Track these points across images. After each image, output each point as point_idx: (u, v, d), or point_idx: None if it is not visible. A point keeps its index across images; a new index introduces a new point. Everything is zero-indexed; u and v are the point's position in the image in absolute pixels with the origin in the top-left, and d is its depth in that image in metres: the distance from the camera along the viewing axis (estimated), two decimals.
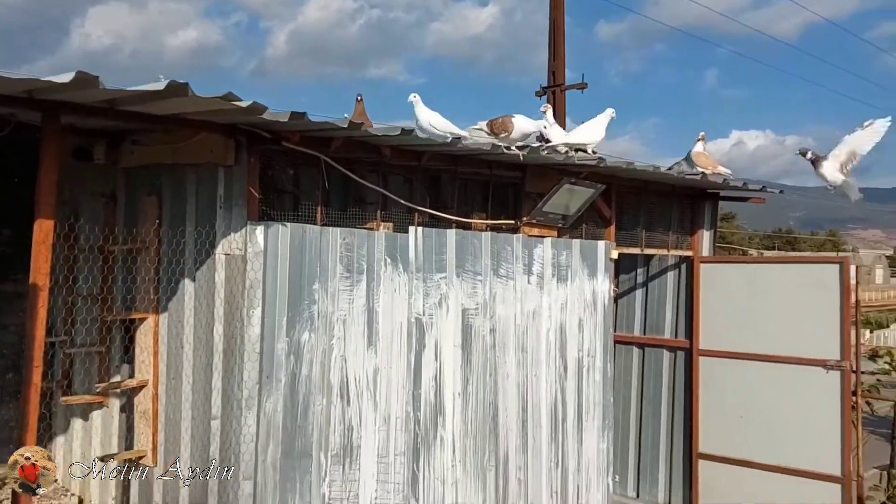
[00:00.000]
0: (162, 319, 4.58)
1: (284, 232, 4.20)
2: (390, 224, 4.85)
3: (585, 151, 5.83)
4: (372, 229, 4.71)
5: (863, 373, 7.04)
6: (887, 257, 79.14)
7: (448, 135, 4.87)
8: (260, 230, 4.12)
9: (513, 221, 5.77)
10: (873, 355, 9.91)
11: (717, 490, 7.23)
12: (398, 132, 4.33)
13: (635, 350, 8.12)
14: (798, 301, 6.82)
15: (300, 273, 4.27)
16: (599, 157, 5.81)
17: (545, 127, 6.27)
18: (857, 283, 6.71)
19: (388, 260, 4.70)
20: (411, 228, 4.89)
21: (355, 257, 4.52)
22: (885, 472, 8.29)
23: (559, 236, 5.99)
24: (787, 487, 6.75)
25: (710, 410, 7.33)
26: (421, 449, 4.89)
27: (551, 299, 5.80)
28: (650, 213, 7.22)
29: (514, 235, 5.56)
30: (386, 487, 4.69)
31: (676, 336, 7.76)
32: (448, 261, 5.04)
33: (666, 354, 7.84)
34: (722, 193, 7.71)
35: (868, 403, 9.05)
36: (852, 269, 6.67)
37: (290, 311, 4.23)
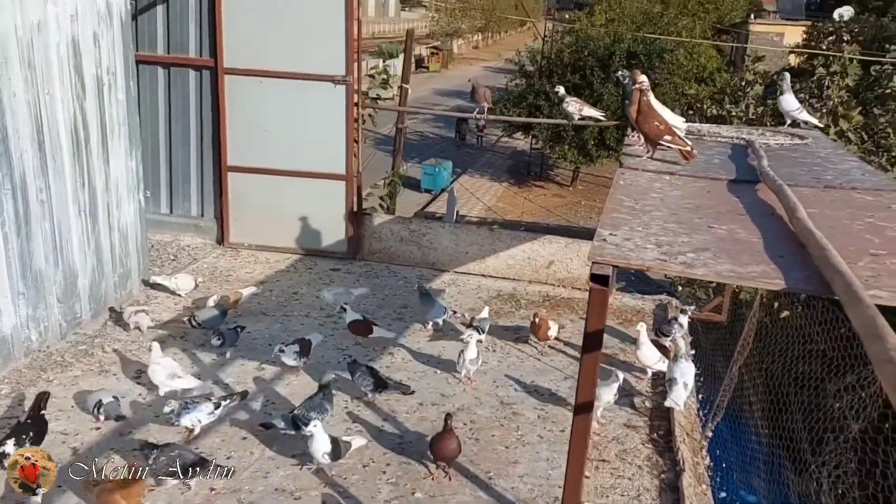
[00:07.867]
0: None
1: None
2: None
3: None
4: None
5: (366, 92, 8.20)
6: None
7: None
8: None
9: None
10: (371, 75, 11.35)
11: (245, 198, 7.99)
12: None
13: (160, 70, 7.95)
14: (312, 21, 7.41)
15: None
16: None
17: None
18: (359, 5, 7.49)
19: None
20: None
21: None
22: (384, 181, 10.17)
23: None
24: (305, 187, 7.85)
25: (236, 126, 7.80)
26: None
27: (59, 10, 5.29)
28: None
29: None
30: None
31: (201, 55, 7.79)
32: None
33: (192, 74, 7.88)
34: None
35: (370, 117, 10.64)
36: None
37: None
